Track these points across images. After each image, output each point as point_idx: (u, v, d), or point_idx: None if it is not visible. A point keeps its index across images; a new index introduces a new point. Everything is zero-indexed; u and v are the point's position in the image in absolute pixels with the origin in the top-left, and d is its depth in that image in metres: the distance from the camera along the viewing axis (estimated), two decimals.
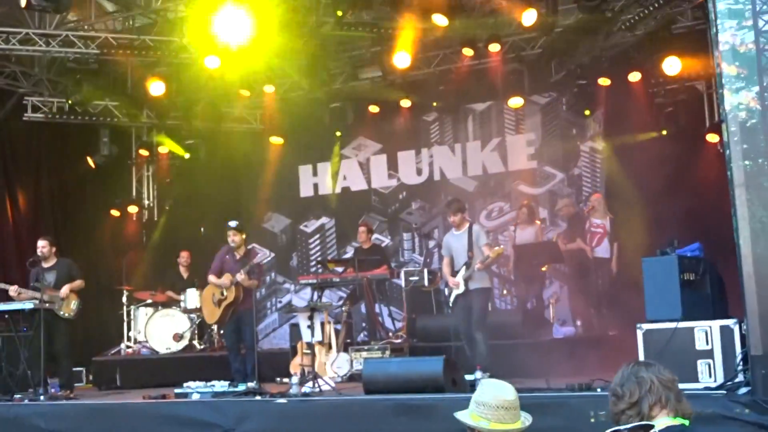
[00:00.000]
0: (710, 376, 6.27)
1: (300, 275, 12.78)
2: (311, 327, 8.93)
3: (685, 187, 10.82)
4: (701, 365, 6.31)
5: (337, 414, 7.03)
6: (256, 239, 13.20)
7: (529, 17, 10.24)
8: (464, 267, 8.51)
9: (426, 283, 10.92)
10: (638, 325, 6.61)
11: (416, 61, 11.78)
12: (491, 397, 3.61)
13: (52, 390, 9.21)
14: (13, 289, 9.53)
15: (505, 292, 12.03)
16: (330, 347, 9.78)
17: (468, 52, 11.42)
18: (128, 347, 12.08)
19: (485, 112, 13.09)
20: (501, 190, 12.93)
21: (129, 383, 10.83)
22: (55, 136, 13.43)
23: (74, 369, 10.45)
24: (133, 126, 14.01)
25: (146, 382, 10.51)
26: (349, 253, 12.80)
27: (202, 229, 13.66)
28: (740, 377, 6.09)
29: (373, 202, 13.72)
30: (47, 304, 9.24)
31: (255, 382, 8.51)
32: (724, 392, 5.96)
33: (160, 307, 11.91)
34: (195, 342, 11.76)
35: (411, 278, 11.04)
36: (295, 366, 9.59)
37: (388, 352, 9.66)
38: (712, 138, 10.94)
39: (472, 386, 7.39)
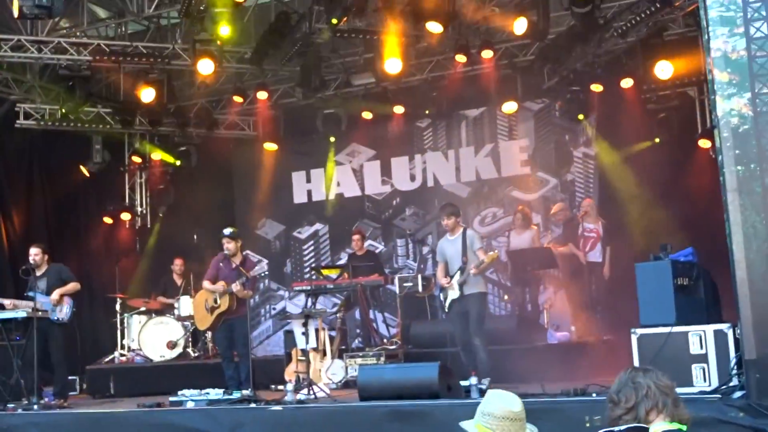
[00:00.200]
0: (705, 380, 6.30)
1: (294, 282, 12.76)
2: (306, 334, 8.92)
3: (678, 192, 10.87)
4: (696, 369, 6.34)
5: (333, 421, 7.03)
6: (249, 246, 13.19)
7: (520, 26, 10.27)
8: (459, 272, 8.50)
9: (420, 289, 10.93)
10: (632, 330, 6.63)
11: (409, 67, 11.80)
12: (497, 407, 3.59)
13: (46, 399, 9.16)
14: (7, 303, 9.50)
15: (506, 297, 12.03)
16: (324, 354, 9.77)
17: (461, 58, 11.45)
18: (122, 355, 12.04)
19: (478, 118, 13.12)
20: (494, 196, 12.95)
21: (123, 391, 10.79)
22: (48, 143, 13.41)
23: (68, 378, 10.40)
24: (125, 133, 14.00)
25: (140, 390, 10.47)
26: (343, 259, 12.80)
27: (195, 237, 13.64)
28: (734, 381, 6.13)
29: (367, 209, 13.72)
30: (40, 312, 9.21)
31: (250, 389, 8.48)
32: (719, 396, 5.99)
33: (153, 315, 11.89)
34: (189, 350, 11.73)
35: (405, 284, 11.05)
36: (289, 373, 9.57)
37: (382, 359, 9.65)
38: (704, 144, 10.98)
39: (467, 392, 7.40)
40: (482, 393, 6.93)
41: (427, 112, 13.14)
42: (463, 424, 3.68)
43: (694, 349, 6.37)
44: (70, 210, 13.88)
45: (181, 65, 11.96)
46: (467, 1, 10.77)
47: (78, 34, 11.69)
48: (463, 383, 7.50)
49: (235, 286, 9.06)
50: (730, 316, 6.35)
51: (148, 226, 14.65)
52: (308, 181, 14.15)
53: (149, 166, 14.54)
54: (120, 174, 14.60)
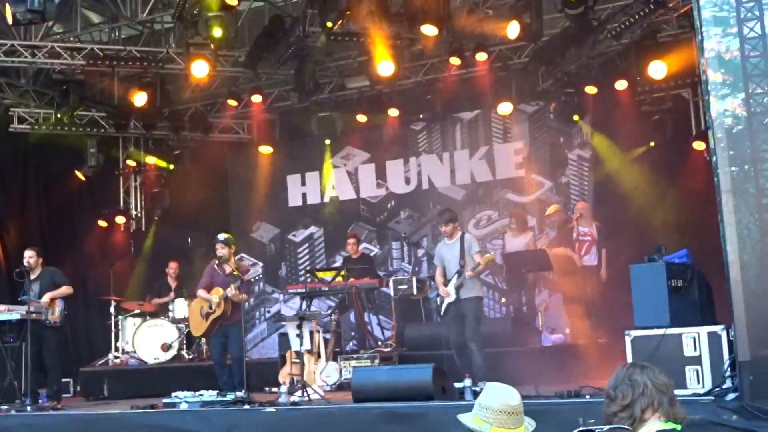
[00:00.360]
0: (698, 382, 6.29)
1: (289, 285, 12.74)
2: (300, 336, 8.90)
3: (673, 194, 10.88)
4: (689, 371, 6.33)
5: (327, 423, 7.02)
6: (244, 249, 13.19)
7: (513, 30, 10.27)
8: (456, 275, 8.51)
9: (415, 291, 10.92)
10: (626, 332, 6.63)
11: (404, 70, 11.78)
12: (494, 400, 3.56)
13: (40, 401, 9.14)
14: (2, 309, 9.47)
15: (503, 300, 12.02)
16: (319, 356, 9.76)
17: (455, 61, 11.44)
18: (116, 357, 12.00)
19: (473, 120, 13.12)
20: (489, 199, 12.94)
21: (117, 394, 10.76)
22: (42, 147, 13.39)
23: (62, 380, 10.38)
24: (120, 136, 13.98)
25: (134, 392, 10.45)
26: (338, 262, 12.78)
27: (189, 240, 13.62)
28: (728, 383, 6.12)
29: (362, 212, 13.70)
30: (34, 315, 9.20)
31: (244, 391, 8.46)
32: (713, 398, 5.99)
33: (148, 317, 11.85)
34: (183, 352, 11.70)
35: (400, 287, 11.03)
36: (284, 375, 9.57)
37: (377, 361, 9.64)
38: (698, 146, 10.99)
39: (461, 394, 7.39)
40: (476, 395, 6.92)
41: (421, 115, 13.15)
42: (461, 417, 3.65)
43: (688, 351, 6.37)
44: (65, 213, 13.87)
45: (175, 69, 11.93)
46: (461, 4, 10.78)
47: (72, 38, 11.66)
48: (457, 385, 7.51)
49: (230, 291, 9.02)
50: (724, 318, 6.35)
51: (143, 229, 14.64)
52: (303, 184, 14.13)
53: (144, 169, 14.54)
54: (115, 178, 14.59)
